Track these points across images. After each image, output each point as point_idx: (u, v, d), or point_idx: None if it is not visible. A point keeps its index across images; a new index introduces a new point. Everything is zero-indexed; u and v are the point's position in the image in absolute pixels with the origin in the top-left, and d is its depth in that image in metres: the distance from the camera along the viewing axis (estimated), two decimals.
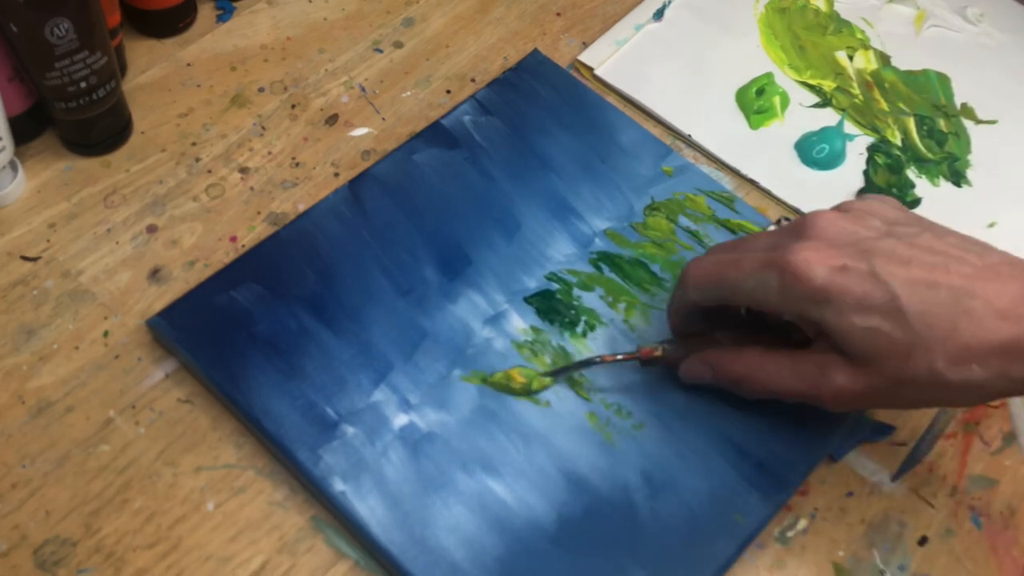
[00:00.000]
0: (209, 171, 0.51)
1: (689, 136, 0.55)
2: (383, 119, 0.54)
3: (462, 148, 0.51)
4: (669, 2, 0.61)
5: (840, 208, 0.41)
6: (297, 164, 0.51)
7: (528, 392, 0.44)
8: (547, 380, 0.44)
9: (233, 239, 0.48)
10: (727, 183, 0.54)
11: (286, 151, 0.52)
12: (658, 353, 0.43)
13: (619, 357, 0.44)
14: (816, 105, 0.57)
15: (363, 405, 0.43)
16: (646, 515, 0.42)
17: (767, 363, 0.41)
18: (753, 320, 0.43)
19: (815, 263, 0.38)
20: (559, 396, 0.44)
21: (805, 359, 0.40)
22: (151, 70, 0.54)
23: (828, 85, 0.58)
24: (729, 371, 0.42)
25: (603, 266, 0.48)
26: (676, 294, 0.43)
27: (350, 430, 0.42)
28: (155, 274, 0.47)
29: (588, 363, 0.44)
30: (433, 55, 0.57)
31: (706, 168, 0.54)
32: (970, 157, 0.56)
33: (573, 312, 0.47)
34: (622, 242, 0.49)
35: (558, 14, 0.60)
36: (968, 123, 0.58)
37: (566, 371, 0.44)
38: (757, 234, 0.42)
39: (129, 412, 0.43)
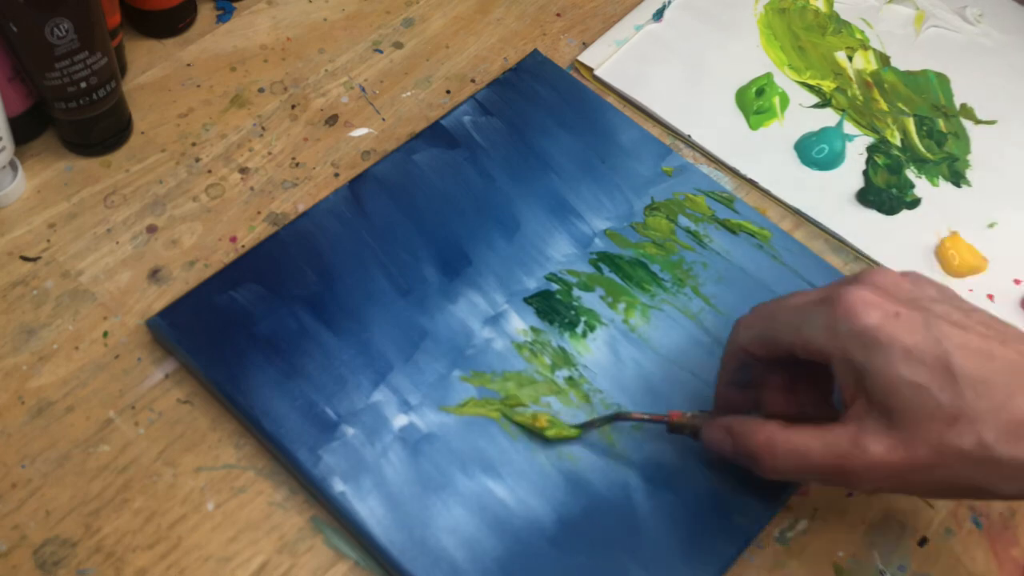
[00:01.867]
0: (209, 171, 0.51)
1: (689, 136, 0.55)
2: (383, 119, 0.54)
3: (462, 148, 0.51)
4: (669, 2, 0.61)
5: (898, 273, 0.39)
6: (297, 164, 0.51)
7: (545, 435, 0.43)
8: (573, 432, 0.43)
9: (233, 239, 0.48)
10: (727, 183, 0.54)
11: (286, 151, 0.52)
12: (684, 420, 0.41)
13: (646, 417, 0.42)
14: (816, 105, 0.57)
15: (363, 405, 0.43)
16: (646, 515, 0.42)
17: (792, 434, 0.37)
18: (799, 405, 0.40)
19: (869, 304, 0.35)
20: (558, 396, 0.44)
21: (836, 429, 0.36)
22: (151, 70, 0.54)
23: (828, 85, 0.58)
24: (749, 440, 0.38)
25: (603, 266, 0.48)
26: (727, 345, 0.41)
27: (350, 430, 0.42)
28: (155, 274, 0.47)
29: (615, 418, 0.42)
30: (433, 55, 0.57)
31: (706, 168, 0.54)
32: (970, 157, 0.56)
33: (573, 312, 0.47)
34: (622, 242, 0.49)
35: (558, 14, 0.60)
36: (968, 123, 0.58)
37: (592, 426, 0.43)
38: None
39: (129, 412, 0.43)
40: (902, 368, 0.34)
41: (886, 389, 0.35)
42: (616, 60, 0.57)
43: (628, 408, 0.44)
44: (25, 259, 0.47)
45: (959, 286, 0.51)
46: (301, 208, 0.50)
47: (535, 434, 0.43)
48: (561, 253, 0.49)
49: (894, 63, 0.60)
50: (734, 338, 0.40)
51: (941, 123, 0.58)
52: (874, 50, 0.61)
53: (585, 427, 0.43)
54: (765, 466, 0.38)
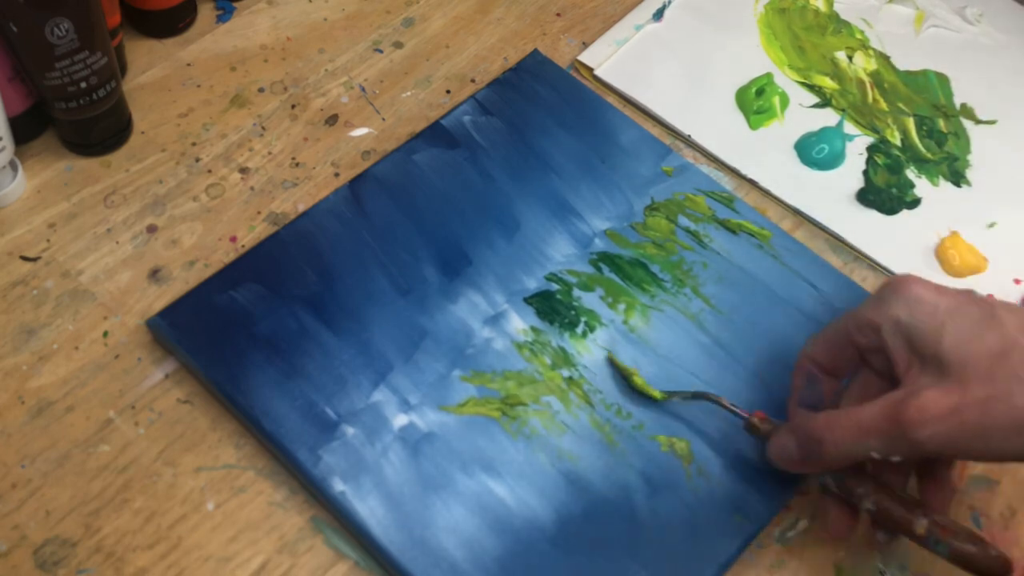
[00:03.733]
0: (209, 171, 0.51)
1: (689, 136, 0.55)
2: (383, 119, 0.54)
3: (462, 148, 0.51)
4: (669, 2, 0.61)
5: None
6: (297, 164, 0.51)
7: (632, 380, 0.44)
8: (657, 394, 0.44)
9: (233, 239, 0.48)
10: (727, 183, 0.54)
11: (286, 151, 0.52)
12: (762, 425, 0.42)
13: (731, 406, 0.42)
14: (816, 105, 0.57)
15: (363, 405, 0.43)
16: (646, 515, 0.42)
17: (849, 408, 0.38)
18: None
19: (914, 280, 0.38)
20: (558, 396, 0.44)
21: (891, 392, 0.37)
22: (151, 70, 0.54)
23: (828, 85, 0.58)
24: (810, 425, 0.39)
25: (603, 266, 0.48)
26: (795, 364, 0.43)
27: (350, 430, 0.42)
28: (155, 274, 0.47)
29: (701, 397, 0.43)
30: (433, 55, 0.57)
31: (706, 168, 0.54)
32: (970, 157, 0.56)
33: (573, 312, 0.47)
34: (622, 242, 0.49)
35: (558, 14, 0.60)
36: (968, 123, 0.58)
37: (675, 396, 0.44)
38: None
39: (129, 412, 0.43)
40: (948, 318, 0.36)
41: (935, 336, 0.36)
42: (616, 60, 0.57)
43: (640, 418, 0.44)
44: (25, 259, 0.47)
45: (959, 286, 0.51)
46: (301, 208, 0.50)
47: (624, 378, 0.45)
48: (561, 253, 0.49)
49: (894, 63, 0.60)
50: (800, 352, 0.43)
51: (941, 123, 0.58)
52: (874, 50, 0.61)
53: (670, 395, 0.44)
54: (827, 445, 0.38)
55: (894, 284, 0.39)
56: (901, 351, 0.38)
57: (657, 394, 0.44)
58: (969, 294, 0.38)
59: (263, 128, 0.53)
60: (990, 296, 0.38)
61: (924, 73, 0.60)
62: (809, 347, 0.42)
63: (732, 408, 0.42)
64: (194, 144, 0.51)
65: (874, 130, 0.57)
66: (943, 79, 0.60)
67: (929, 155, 0.56)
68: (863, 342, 0.40)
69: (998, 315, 0.36)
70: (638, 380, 0.44)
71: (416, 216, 0.49)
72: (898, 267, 0.51)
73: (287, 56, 0.56)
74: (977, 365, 0.35)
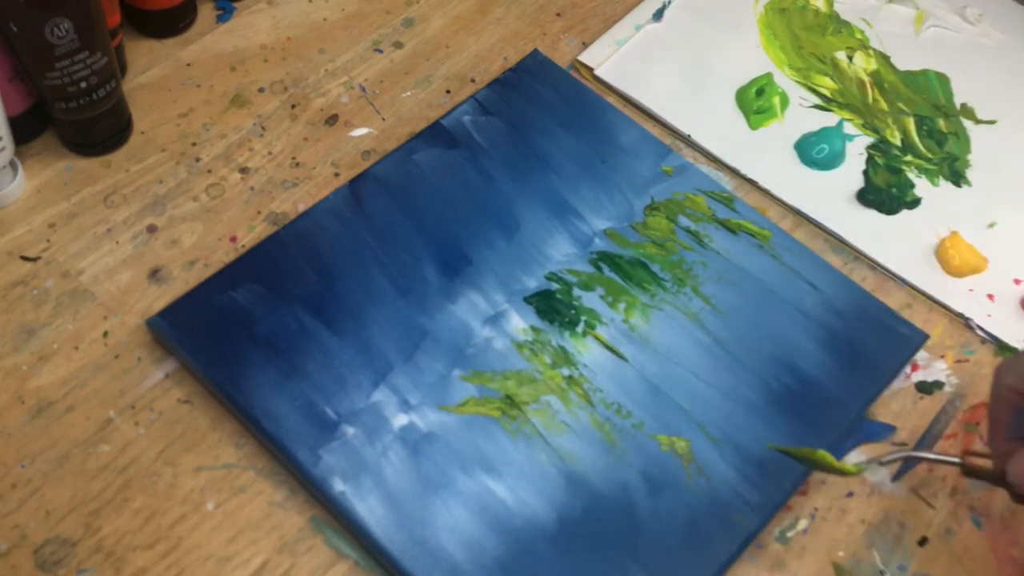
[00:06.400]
0: (209, 171, 0.51)
1: (689, 136, 0.55)
2: (383, 119, 0.54)
3: (462, 148, 0.51)
4: (669, 2, 0.61)
5: None
6: (297, 164, 0.51)
7: (841, 470, 0.42)
8: (852, 468, 0.42)
9: (233, 239, 0.48)
10: (727, 183, 0.54)
11: (286, 151, 0.52)
12: (982, 464, 0.40)
13: (945, 457, 0.41)
14: (816, 105, 0.57)
15: (363, 405, 0.43)
16: (646, 515, 0.42)
17: None
18: None
19: None
20: (559, 395, 0.44)
21: None
22: (151, 70, 0.54)
23: (828, 85, 0.58)
24: None
25: (603, 266, 0.48)
26: (992, 396, 0.40)
27: (350, 430, 0.42)
28: (155, 274, 0.47)
29: (904, 457, 0.42)
30: (433, 55, 0.57)
31: (706, 168, 0.54)
32: (970, 157, 0.56)
33: (573, 312, 0.47)
34: (622, 242, 0.49)
35: (558, 14, 0.60)
36: (968, 123, 0.58)
37: (875, 460, 0.43)
38: None
39: (129, 412, 0.43)
40: None
41: None
42: (616, 60, 0.57)
43: (640, 417, 0.44)
44: (25, 259, 0.47)
45: (959, 286, 0.51)
46: (301, 208, 0.50)
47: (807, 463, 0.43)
48: (561, 253, 0.49)
49: (894, 63, 0.60)
50: (999, 382, 0.40)
51: (941, 123, 0.58)
52: (874, 50, 0.61)
53: (865, 465, 0.42)
54: None
55: None
56: None
57: (852, 468, 0.42)
58: None
59: (263, 128, 0.53)
60: None
61: (924, 73, 0.60)
62: (1011, 379, 0.39)
63: (941, 459, 0.41)
64: (194, 144, 0.51)
65: (874, 130, 0.57)
66: (943, 79, 0.60)
67: (929, 155, 0.56)
68: None
69: None
70: (824, 456, 0.42)
71: (416, 216, 0.49)
72: (898, 267, 0.51)
73: (287, 56, 0.56)
74: None
